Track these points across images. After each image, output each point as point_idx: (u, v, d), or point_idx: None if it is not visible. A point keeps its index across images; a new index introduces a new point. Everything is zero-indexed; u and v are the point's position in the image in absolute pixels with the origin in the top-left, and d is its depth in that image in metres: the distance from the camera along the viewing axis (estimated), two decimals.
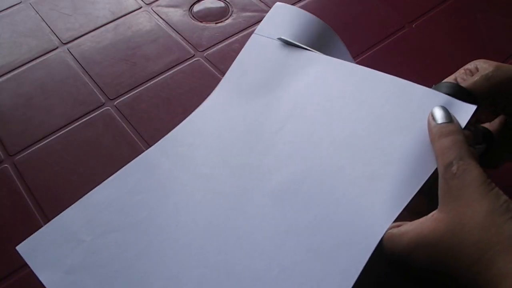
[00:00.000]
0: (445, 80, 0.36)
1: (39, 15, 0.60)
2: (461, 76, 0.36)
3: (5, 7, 0.61)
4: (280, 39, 0.44)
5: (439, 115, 0.33)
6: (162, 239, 0.37)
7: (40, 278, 0.36)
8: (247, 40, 0.44)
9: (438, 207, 0.30)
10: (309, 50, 0.43)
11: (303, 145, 0.38)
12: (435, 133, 0.32)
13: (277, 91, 0.42)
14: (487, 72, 0.35)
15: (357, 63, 0.52)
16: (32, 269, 0.36)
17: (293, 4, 0.60)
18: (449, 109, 0.33)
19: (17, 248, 0.38)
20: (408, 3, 0.61)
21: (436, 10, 0.60)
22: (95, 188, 0.41)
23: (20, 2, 0.62)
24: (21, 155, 0.46)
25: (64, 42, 0.57)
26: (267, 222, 0.35)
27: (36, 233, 0.39)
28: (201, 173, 0.40)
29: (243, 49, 0.45)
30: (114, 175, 0.41)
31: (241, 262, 0.34)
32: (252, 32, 0.45)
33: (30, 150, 0.47)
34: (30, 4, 0.61)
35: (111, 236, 0.38)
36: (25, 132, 0.48)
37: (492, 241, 0.26)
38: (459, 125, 0.32)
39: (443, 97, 0.34)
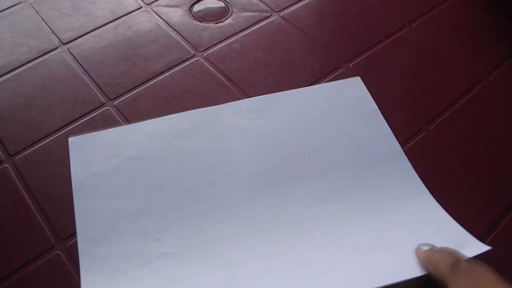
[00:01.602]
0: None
1: (39, 15, 0.60)
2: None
3: (5, 7, 0.61)
4: None
5: (428, 246, 0.34)
6: (178, 189, 0.41)
7: (71, 169, 0.42)
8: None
9: None
10: None
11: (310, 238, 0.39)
12: (428, 251, 0.33)
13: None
14: None
15: (357, 62, 0.52)
16: (70, 159, 0.42)
17: (293, 4, 0.60)
18: (463, 243, 0.35)
19: (69, 138, 0.44)
20: (408, 3, 0.61)
21: (436, 10, 0.60)
22: (151, 120, 0.45)
23: (20, 2, 0.62)
24: (21, 155, 0.46)
25: (64, 42, 0.57)
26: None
27: (90, 134, 0.44)
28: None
29: None
30: (172, 115, 0.46)
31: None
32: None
33: (30, 150, 0.47)
34: (30, 4, 0.61)
35: (140, 163, 0.42)
36: (25, 132, 0.48)
37: None
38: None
39: (462, 232, 0.37)
